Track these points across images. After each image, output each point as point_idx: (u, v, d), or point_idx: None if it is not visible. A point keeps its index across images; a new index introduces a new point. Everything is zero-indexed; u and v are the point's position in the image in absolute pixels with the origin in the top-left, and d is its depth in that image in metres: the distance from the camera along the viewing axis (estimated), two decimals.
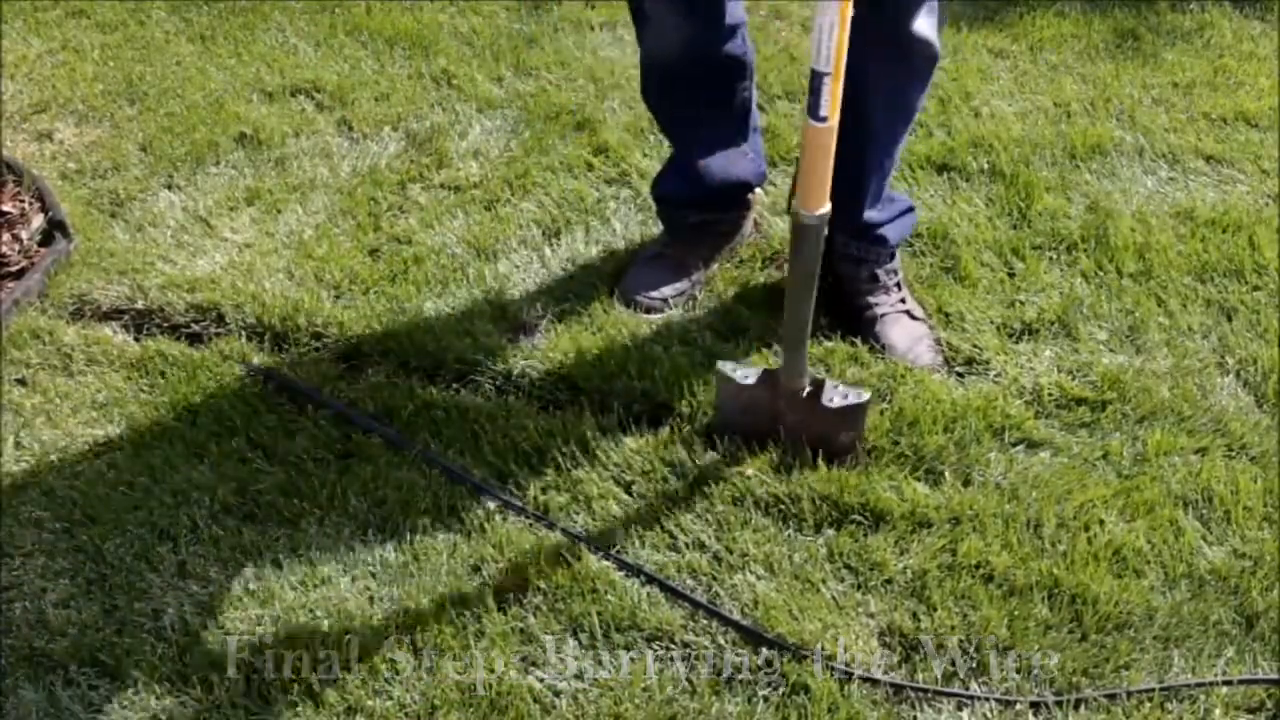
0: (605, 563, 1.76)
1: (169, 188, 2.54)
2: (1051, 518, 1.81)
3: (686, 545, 1.78)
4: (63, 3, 3.20)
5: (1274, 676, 1.62)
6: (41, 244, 2.34)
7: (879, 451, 1.91)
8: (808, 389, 1.85)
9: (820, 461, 1.87)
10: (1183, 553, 1.77)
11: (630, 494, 1.85)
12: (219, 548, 1.78)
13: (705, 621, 1.68)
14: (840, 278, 2.15)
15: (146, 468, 1.90)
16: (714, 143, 2.21)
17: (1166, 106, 2.80)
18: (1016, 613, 1.68)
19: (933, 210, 2.43)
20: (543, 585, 1.72)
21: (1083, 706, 1.59)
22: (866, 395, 1.84)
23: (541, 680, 1.61)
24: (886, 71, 1.92)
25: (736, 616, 1.69)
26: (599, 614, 1.68)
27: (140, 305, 2.20)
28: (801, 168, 1.68)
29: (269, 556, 1.76)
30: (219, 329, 2.17)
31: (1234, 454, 1.93)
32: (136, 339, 2.16)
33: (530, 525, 1.81)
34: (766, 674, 1.62)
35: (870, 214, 2.10)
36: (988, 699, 1.59)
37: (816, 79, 1.57)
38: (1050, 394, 2.02)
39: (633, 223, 2.43)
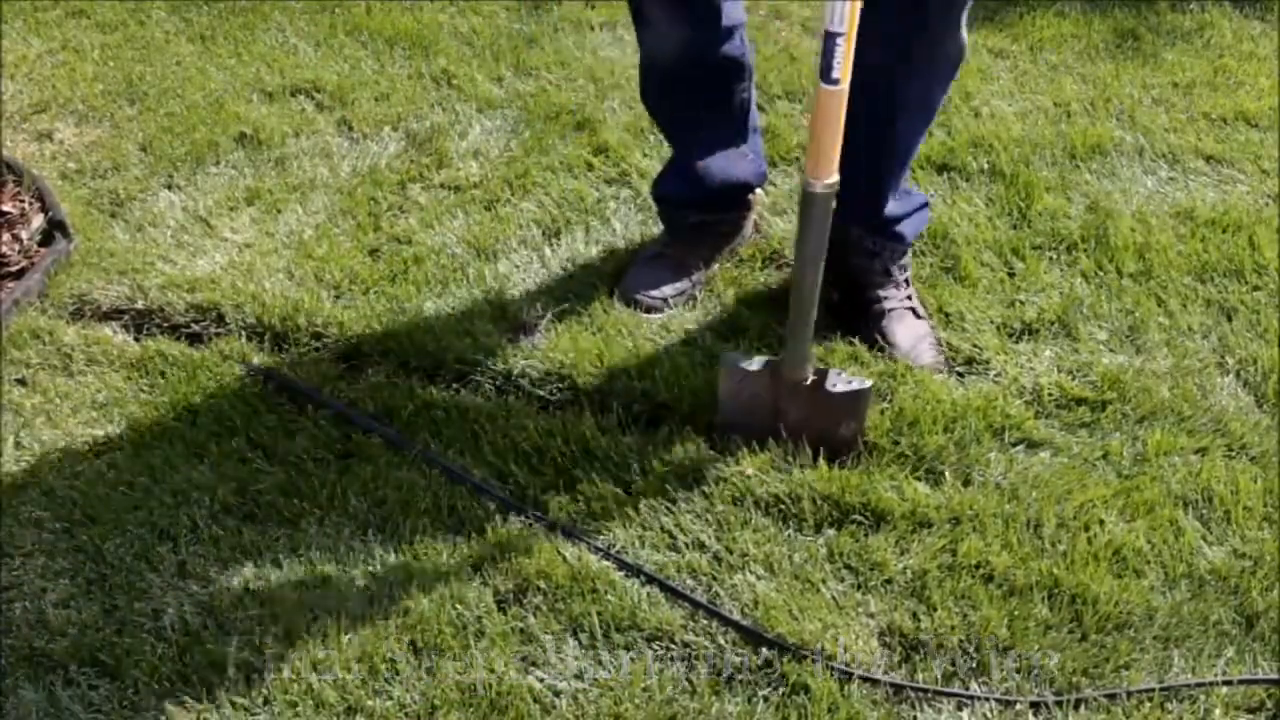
0: (605, 563, 1.76)
1: (169, 188, 2.54)
2: (1051, 518, 1.81)
3: (686, 545, 1.78)
4: (63, 3, 3.20)
5: (1274, 676, 1.62)
6: (41, 244, 2.34)
7: (879, 451, 1.91)
8: (810, 378, 1.85)
9: (821, 461, 1.87)
10: (1183, 553, 1.77)
11: (630, 494, 1.85)
12: (219, 548, 1.78)
13: (705, 621, 1.68)
14: (853, 270, 2.14)
15: (146, 468, 1.90)
16: (713, 144, 2.21)
17: (1166, 106, 2.80)
18: (1016, 613, 1.68)
19: (933, 210, 2.43)
20: (543, 585, 1.72)
21: (1083, 706, 1.59)
22: (869, 383, 1.84)
23: (541, 680, 1.61)
24: (916, 87, 1.94)
25: (736, 616, 1.69)
26: (599, 614, 1.68)
27: (140, 305, 2.20)
28: (811, 134, 1.65)
29: (269, 556, 1.76)
30: (219, 329, 2.17)
31: (1234, 454, 1.93)
32: (136, 339, 2.16)
33: (530, 525, 1.81)
34: (766, 674, 1.62)
35: (890, 208, 2.10)
36: (988, 699, 1.59)
37: (830, 40, 1.56)
38: (1050, 394, 2.02)
39: (633, 223, 2.43)
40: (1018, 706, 1.59)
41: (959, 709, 1.59)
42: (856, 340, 2.10)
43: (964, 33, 1.90)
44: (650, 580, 1.73)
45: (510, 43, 3.03)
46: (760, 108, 2.71)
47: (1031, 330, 2.16)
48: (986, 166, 2.57)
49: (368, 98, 2.82)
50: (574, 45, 3.03)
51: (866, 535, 1.79)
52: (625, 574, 1.74)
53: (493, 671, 1.61)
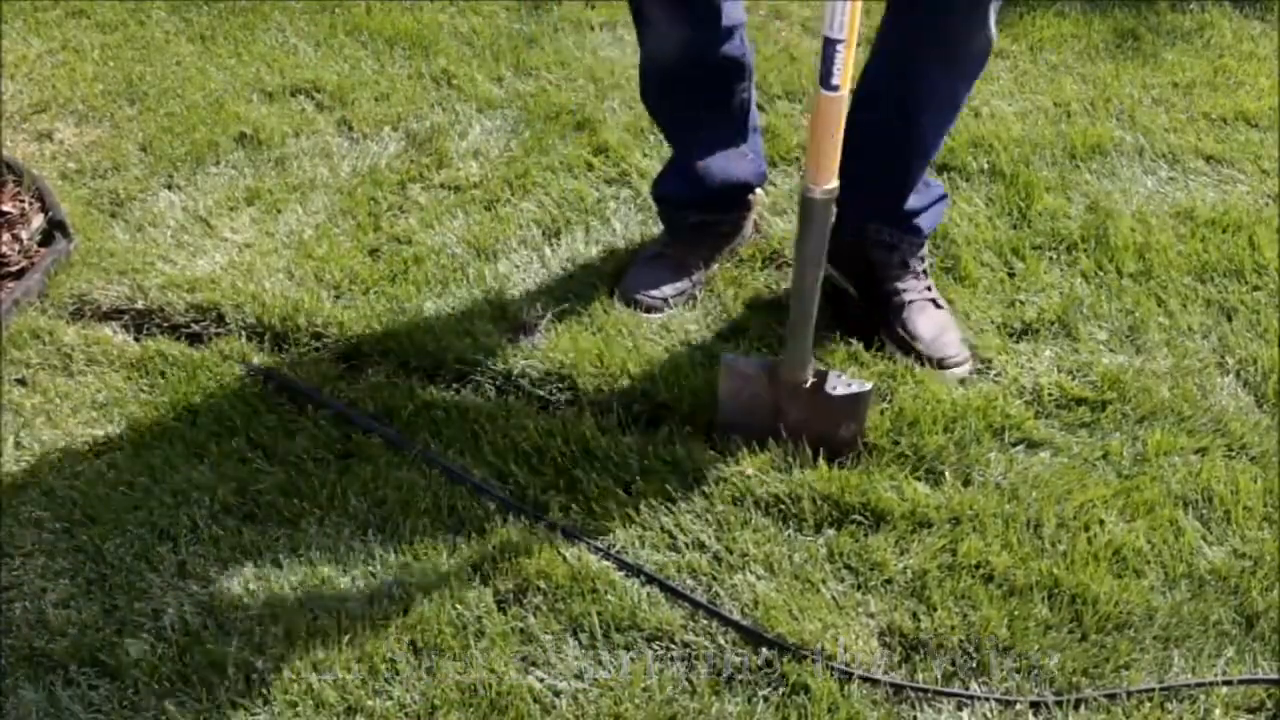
0: (605, 563, 1.76)
1: (169, 188, 2.54)
2: (1051, 518, 1.81)
3: (686, 545, 1.78)
4: (63, 3, 3.20)
5: (1274, 676, 1.62)
6: (41, 244, 2.34)
7: (879, 451, 1.91)
8: (810, 380, 1.85)
9: (821, 461, 1.87)
10: (1183, 553, 1.77)
11: (630, 494, 1.85)
12: (219, 548, 1.78)
13: (705, 621, 1.68)
14: (872, 263, 2.14)
15: (146, 468, 1.90)
16: (713, 144, 2.21)
17: (1166, 106, 2.80)
18: (1016, 613, 1.68)
19: None
20: (543, 585, 1.72)
21: (1083, 706, 1.59)
22: (869, 385, 1.84)
23: (541, 680, 1.61)
24: (941, 82, 1.94)
25: (736, 616, 1.69)
26: (599, 614, 1.68)
27: (140, 305, 2.20)
28: (811, 139, 1.65)
29: (269, 556, 1.76)
30: (219, 329, 2.17)
31: (1234, 454, 1.93)
32: (136, 339, 2.16)
33: (530, 525, 1.81)
34: (766, 674, 1.62)
35: (910, 202, 2.09)
36: (988, 699, 1.59)
37: (830, 46, 1.56)
38: (1050, 394, 2.02)
39: (633, 223, 2.43)
40: (1018, 706, 1.59)
41: (959, 709, 1.59)
42: (854, 340, 2.10)
43: (993, 29, 1.89)
44: (650, 580, 1.73)
45: (510, 43, 3.03)
46: (760, 108, 2.71)
47: (1031, 330, 2.16)
48: (986, 166, 2.57)
49: (368, 98, 2.82)
50: (574, 45, 3.03)
51: (866, 535, 1.79)
52: (625, 574, 1.74)
53: (493, 671, 1.61)
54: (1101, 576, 1.73)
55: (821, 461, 1.87)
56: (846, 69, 1.57)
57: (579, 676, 1.62)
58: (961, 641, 1.66)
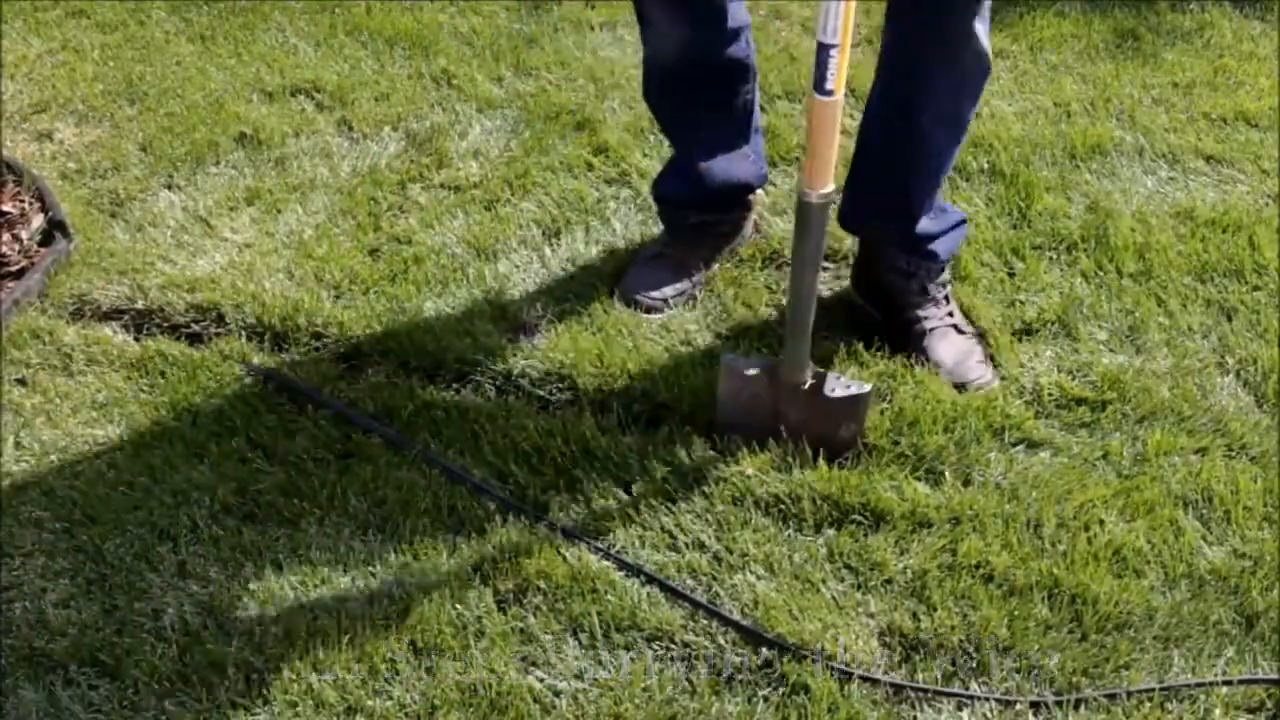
0: (605, 563, 1.76)
1: (169, 188, 2.54)
2: (1051, 518, 1.81)
3: (686, 545, 1.78)
4: (63, 3, 3.20)
5: (1274, 676, 1.62)
6: (41, 244, 2.34)
7: (879, 451, 1.91)
8: (809, 381, 1.85)
9: (821, 461, 1.87)
10: (1183, 553, 1.77)
11: (630, 494, 1.85)
12: (219, 548, 1.78)
13: (705, 621, 1.68)
14: (890, 290, 2.12)
15: (146, 468, 1.90)
16: (715, 145, 2.21)
17: (1166, 106, 2.80)
18: (1016, 613, 1.68)
19: None
20: (543, 585, 1.72)
21: (1083, 706, 1.59)
22: (868, 387, 1.84)
23: (541, 680, 1.61)
24: (943, 90, 1.92)
25: (736, 616, 1.69)
26: (599, 614, 1.68)
27: (140, 305, 2.20)
28: (807, 144, 1.66)
29: (269, 556, 1.76)
30: (219, 329, 2.17)
31: (1234, 454, 1.93)
32: (136, 339, 2.16)
33: (530, 525, 1.81)
34: (766, 674, 1.62)
35: (923, 225, 2.07)
36: (988, 699, 1.59)
37: (823, 51, 1.56)
38: (1050, 394, 2.02)
39: (633, 223, 2.43)
40: (1018, 706, 1.59)
41: (959, 709, 1.59)
42: (853, 340, 2.10)
43: (983, 43, 1.88)
44: (650, 580, 1.73)
45: (510, 43, 3.03)
46: (760, 108, 2.70)
47: (1031, 330, 2.16)
48: (986, 166, 2.57)
49: (368, 98, 2.82)
50: (574, 45, 3.03)
51: (866, 535, 1.79)
52: (625, 574, 1.74)
53: (493, 671, 1.61)
54: (1101, 576, 1.73)
55: (821, 461, 1.87)
56: (840, 74, 1.57)
57: (579, 676, 1.62)
58: (961, 641, 1.66)
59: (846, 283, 2.27)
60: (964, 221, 2.17)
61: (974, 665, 1.64)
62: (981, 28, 1.87)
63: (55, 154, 2.64)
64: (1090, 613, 1.68)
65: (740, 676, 1.62)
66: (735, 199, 2.28)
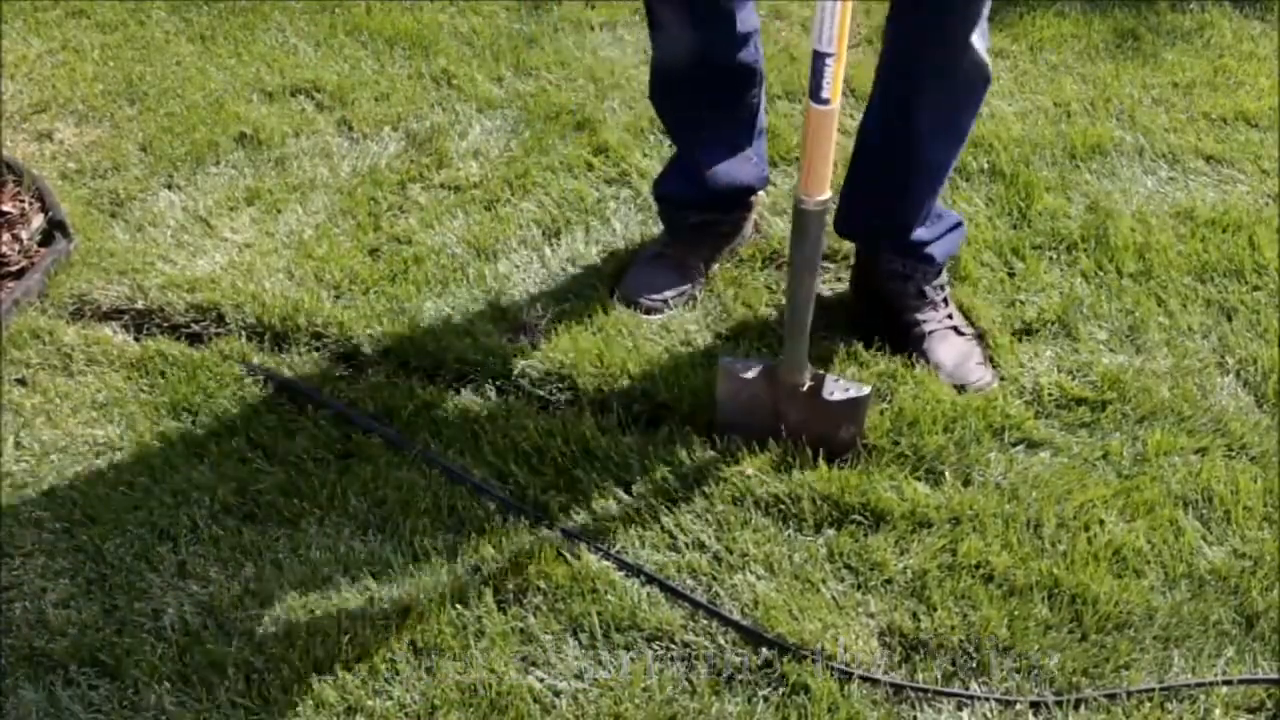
0: (605, 563, 1.76)
1: (169, 188, 2.54)
2: (1051, 518, 1.81)
3: (686, 545, 1.78)
4: (63, 3, 3.20)
5: (1274, 676, 1.62)
6: (41, 244, 2.34)
7: (879, 451, 1.91)
8: (808, 383, 1.85)
9: (820, 461, 1.87)
10: (1183, 553, 1.77)
11: (630, 494, 1.85)
12: (219, 548, 1.78)
13: (705, 621, 1.68)
14: (888, 294, 2.12)
15: (146, 468, 1.90)
16: (718, 146, 2.21)
17: (1166, 106, 2.80)
18: (1016, 613, 1.68)
19: None
20: (543, 585, 1.72)
21: (1083, 706, 1.59)
22: (867, 389, 1.84)
23: (541, 680, 1.61)
24: (941, 93, 1.92)
25: (736, 616, 1.69)
26: (599, 614, 1.68)
27: (140, 305, 2.20)
28: (804, 152, 1.66)
29: (269, 556, 1.76)
30: (219, 329, 2.17)
31: (1234, 454, 1.93)
32: (136, 339, 2.16)
33: (530, 525, 1.81)
34: (766, 674, 1.62)
35: (919, 233, 2.07)
36: (988, 699, 1.59)
37: (818, 60, 1.56)
38: (1050, 394, 2.02)
39: (633, 223, 2.43)
40: (1018, 706, 1.59)
41: (959, 709, 1.59)
42: (852, 340, 2.10)
43: (981, 53, 1.88)
44: (650, 580, 1.73)
45: (510, 43, 3.03)
46: None
47: (1031, 330, 2.16)
48: (986, 166, 2.57)
49: (368, 98, 2.82)
50: (574, 45, 3.03)
51: (866, 535, 1.79)
52: (625, 574, 1.74)
53: (493, 671, 1.61)
54: (1101, 576, 1.73)
55: (821, 462, 1.87)
56: (836, 82, 1.58)
57: (579, 676, 1.62)
58: (961, 641, 1.66)
59: (846, 284, 2.27)
60: (961, 224, 2.17)
61: (974, 665, 1.64)
62: (980, 42, 1.87)
63: (55, 154, 2.64)
64: (1090, 613, 1.68)
65: (740, 676, 1.62)
66: (736, 200, 2.28)
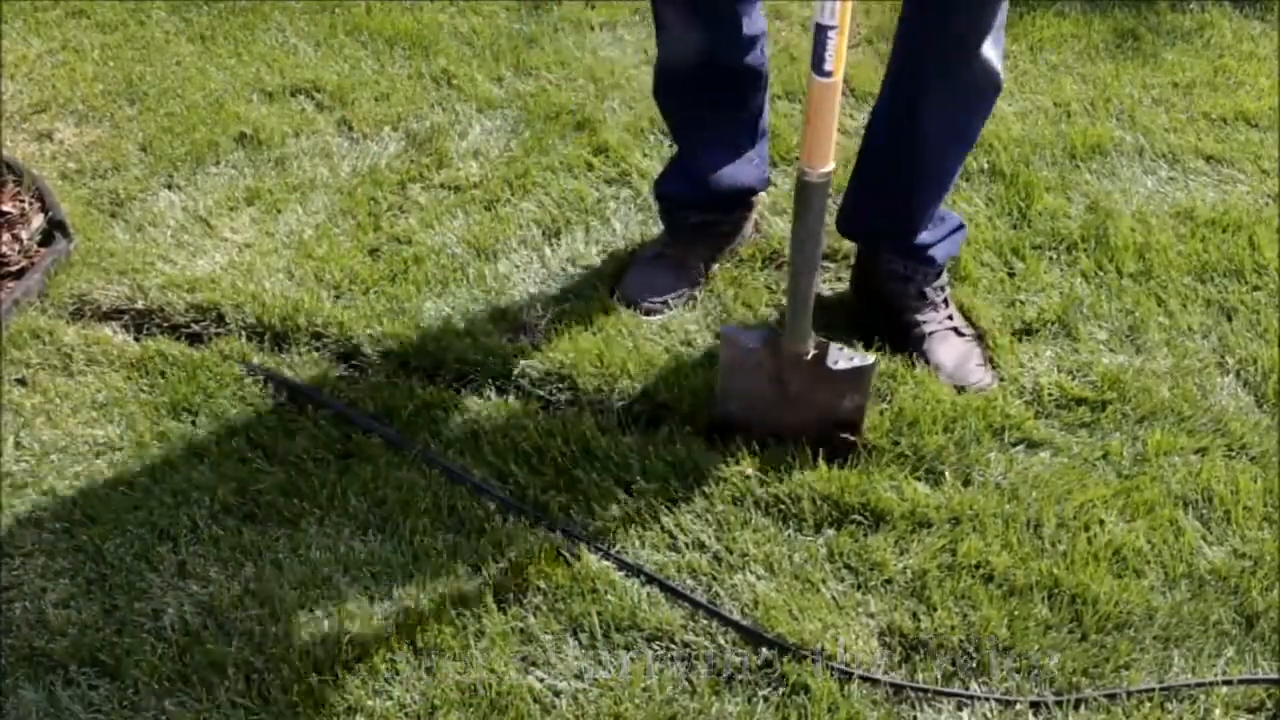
0: (605, 563, 1.76)
1: (169, 188, 2.54)
2: (1051, 518, 1.81)
3: (686, 545, 1.78)
4: (63, 3, 3.20)
5: (1274, 676, 1.62)
6: (41, 244, 2.34)
7: (879, 451, 1.91)
8: (812, 352, 1.84)
9: (820, 461, 1.87)
10: (1183, 553, 1.77)
11: (630, 494, 1.85)
12: (219, 548, 1.78)
13: (705, 621, 1.68)
14: (888, 295, 2.12)
15: (146, 468, 1.90)
16: (721, 149, 2.21)
17: (1166, 106, 2.80)
18: (1016, 613, 1.68)
19: None
20: (543, 585, 1.72)
21: (1083, 706, 1.59)
22: (872, 358, 1.83)
23: (541, 680, 1.61)
24: (948, 95, 1.92)
25: (736, 616, 1.69)
26: (599, 614, 1.68)
27: (140, 305, 2.20)
28: (806, 125, 1.66)
29: (269, 556, 1.76)
30: (219, 329, 2.17)
31: (1234, 454, 1.93)
32: (136, 339, 2.16)
33: (530, 525, 1.81)
34: (766, 674, 1.62)
35: (922, 236, 2.07)
36: (988, 699, 1.59)
37: (821, 32, 1.57)
38: (1050, 394, 2.02)
39: (633, 223, 2.43)
40: (1018, 706, 1.59)
41: (959, 709, 1.59)
42: (855, 340, 2.10)
43: (992, 61, 1.88)
44: (650, 580, 1.73)
45: (510, 43, 3.03)
46: None
47: (1031, 330, 2.16)
48: (986, 166, 2.57)
49: (368, 98, 2.82)
50: (574, 45, 3.03)
51: (866, 535, 1.79)
52: (625, 574, 1.74)
53: (493, 671, 1.61)
54: (1101, 576, 1.73)
55: (821, 461, 1.87)
56: (839, 55, 1.58)
57: (579, 676, 1.62)
58: (961, 641, 1.66)
59: (846, 284, 2.27)
60: (962, 226, 2.17)
61: (974, 665, 1.64)
62: (992, 50, 1.86)
63: (55, 154, 2.64)
64: (1090, 613, 1.68)
65: (740, 676, 1.62)
66: (737, 201, 2.28)
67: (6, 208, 2.37)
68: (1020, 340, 2.14)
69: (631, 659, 1.64)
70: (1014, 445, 1.93)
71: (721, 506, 1.83)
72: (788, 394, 1.88)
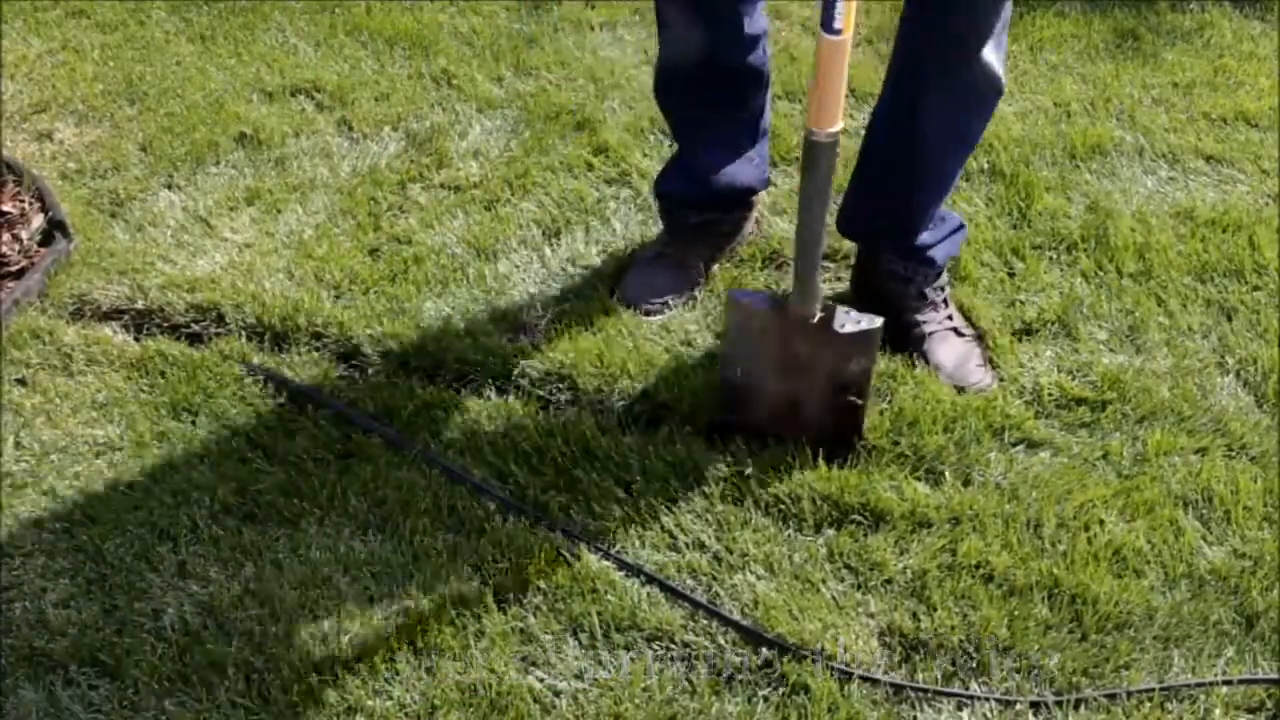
0: (605, 563, 1.76)
1: (169, 188, 2.54)
2: (1051, 518, 1.81)
3: (686, 545, 1.78)
4: (63, 3, 3.20)
5: (1274, 676, 1.62)
6: (41, 244, 2.34)
7: (879, 451, 1.91)
8: (819, 315, 1.83)
9: (820, 461, 1.87)
10: (1183, 553, 1.77)
11: (630, 494, 1.85)
12: (219, 548, 1.78)
13: (705, 621, 1.68)
14: (888, 295, 2.11)
15: (146, 468, 1.90)
16: (722, 148, 2.20)
17: (1166, 106, 2.80)
18: (1016, 613, 1.68)
19: None
20: (543, 585, 1.72)
21: (1083, 706, 1.59)
22: (879, 321, 1.81)
23: (541, 680, 1.61)
24: (948, 96, 1.91)
25: (736, 616, 1.69)
26: (599, 614, 1.68)
27: (140, 305, 2.20)
28: (814, 84, 1.65)
29: (269, 556, 1.76)
30: (219, 329, 2.17)
31: (1234, 454, 1.93)
32: (136, 339, 2.16)
33: (530, 525, 1.81)
34: (766, 674, 1.62)
35: (923, 237, 2.07)
36: (988, 699, 1.59)
37: None
38: (1050, 394, 2.02)
39: (633, 223, 2.43)
40: (1018, 706, 1.59)
41: (959, 709, 1.59)
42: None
43: (993, 65, 1.87)
44: (650, 580, 1.73)
45: (510, 43, 3.03)
46: None
47: (1031, 330, 2.16)
48: (986, 166, 2.56)
49: (368, 98, 2.82)
50: (574, 45, 3.03)
51: (866, 535, 1.79)
52: (625, 574, 1.74)
53: (493, 671, 1.61)
54: (1101, 576, 1.73)
55: (821, 461, 1.87)
56: (849, 14, 1.57)
57: (579, 676, 1.62)
58: (961, 641, 1.66)
59: (846, 284, 2.27)
60: (962, 227, 2.17)
61: (974, 665, 1.64)
62: (993, 54, 1.86)
63: (55, 154, 2.64)
64: (1090, 613, 1.68)
65: (740, 676, 1.62)
66: (737, 200, 2.28)
67: (6, 208, 2.37)
68: (1020, 340, 2.14)
69: (631, 659, 1.64)
70: (1014, 445, 1.93)
71: (721, 506, 1.83)
72: (794, 359, 1.86)
